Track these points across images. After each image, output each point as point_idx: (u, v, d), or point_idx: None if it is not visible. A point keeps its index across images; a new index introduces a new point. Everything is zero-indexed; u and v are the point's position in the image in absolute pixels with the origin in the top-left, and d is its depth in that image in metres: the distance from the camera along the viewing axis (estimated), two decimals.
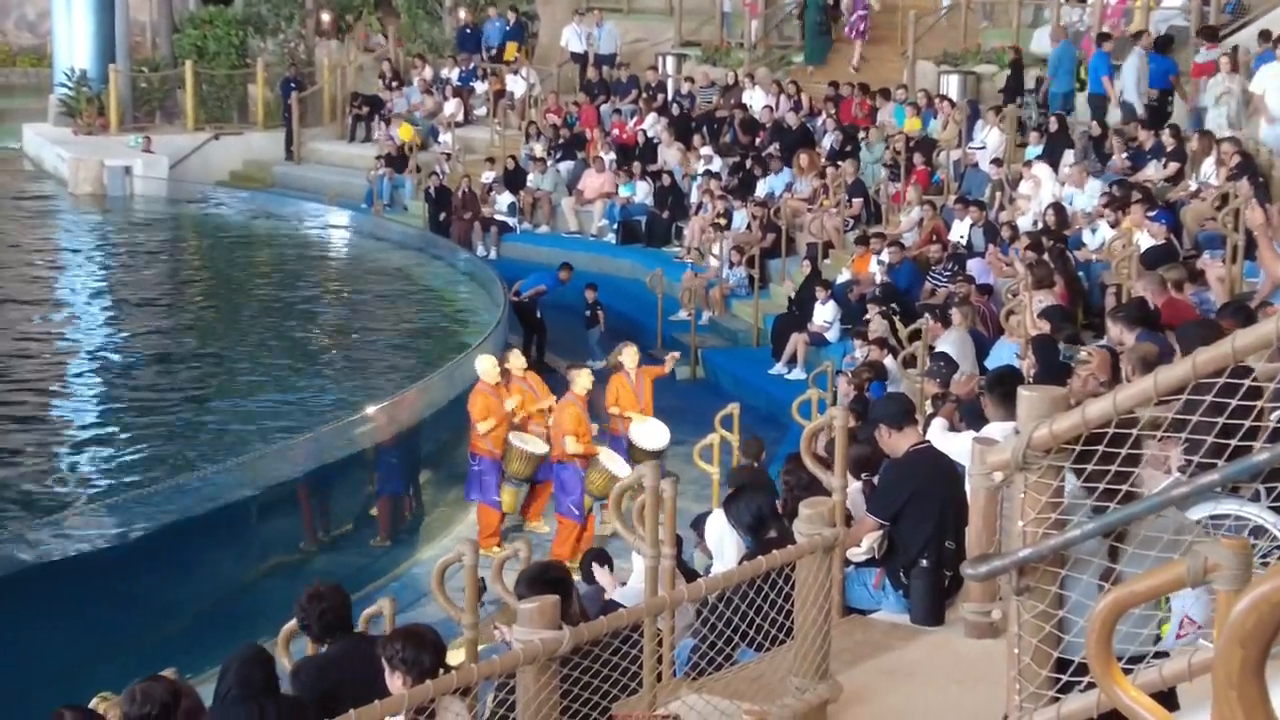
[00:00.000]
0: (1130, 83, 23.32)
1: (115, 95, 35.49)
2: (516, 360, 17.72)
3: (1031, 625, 5.04)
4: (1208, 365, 4.71)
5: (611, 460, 16.74)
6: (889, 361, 16.99)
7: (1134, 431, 5.03)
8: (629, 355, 17.96)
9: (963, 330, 16.55)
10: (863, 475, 9.71)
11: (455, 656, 7.93)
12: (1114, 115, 24.00)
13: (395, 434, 17.78)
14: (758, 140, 28.64)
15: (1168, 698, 4.84)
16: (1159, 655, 5.19)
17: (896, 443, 9.11)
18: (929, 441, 9.47)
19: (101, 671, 12.29)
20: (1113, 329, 12.59)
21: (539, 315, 23.61)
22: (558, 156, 30.53)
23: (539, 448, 16.96)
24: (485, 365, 17.09)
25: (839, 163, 25.72)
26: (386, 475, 17.77)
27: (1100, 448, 4.96)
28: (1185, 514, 5.90)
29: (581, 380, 17.06)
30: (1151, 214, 18.20)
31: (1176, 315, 13.51)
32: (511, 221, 29.21)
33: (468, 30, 37.56)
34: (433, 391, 18.43)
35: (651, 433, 17.49)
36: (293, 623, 9.08)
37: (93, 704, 8.32)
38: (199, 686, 8.64)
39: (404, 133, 32.66)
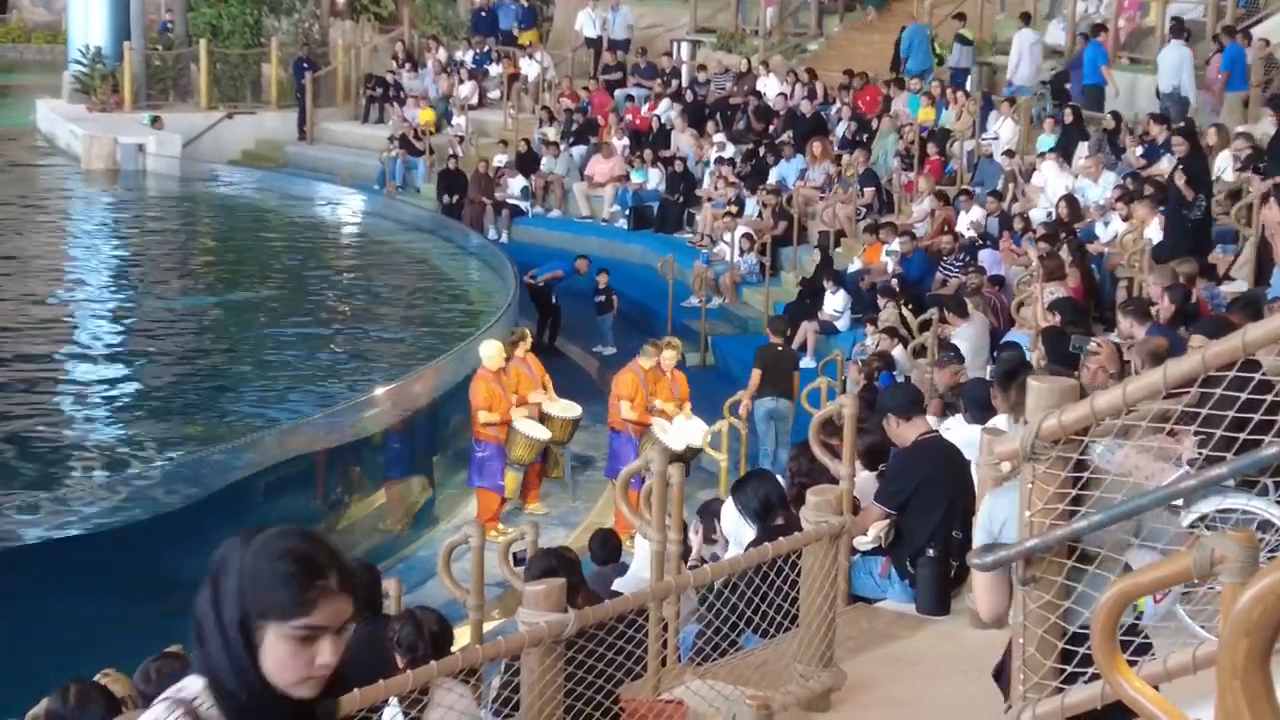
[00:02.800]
0: (1187, 78, 23.17)
1: (129, 73, 35.49)
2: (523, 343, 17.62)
3: (1037, 615, 5.05)
4: (1217, 359, 4.71)
5: (665, 432, 16.64)
6: (898, 352, 16.98)
7: (1142, 425, 5.03)
8: (669, 355, 17.59)
9: (980, 319, 16.54)
10: (880, 466, 9.69)
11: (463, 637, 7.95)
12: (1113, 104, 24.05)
13: (403, 417, 17.75)
14: (771, 128, 28.62)
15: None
16: (1135, 630, 5.22)
17: (905, 432, 9.11)
18: (937, 431, 9.47)
19: (107, 646, 12.34)
20: (1123, 323, 12.58)
21: (554, 301, 23.59)
22: (571, 141, 30.52)
23: (543, 433, 16.93)
24: (489, 351, 16.93)
25: (852, 151, 25.71)
26: (394, 459, 17.73)
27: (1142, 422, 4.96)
28: (1179, 516, 5.91)
29: (660, 354, 17.22)
30: (1163, 208, 18.16)
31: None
32: (524, 205, 29.20)
33: (482, 13, 37.56)
34: (441, 374, 18.40)
35: (678, 434, 17.18)
36: None
37: (96, 679, 8.33)
38: None
39: (425, 116, 32.65)
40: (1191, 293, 13.81)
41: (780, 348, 18.07)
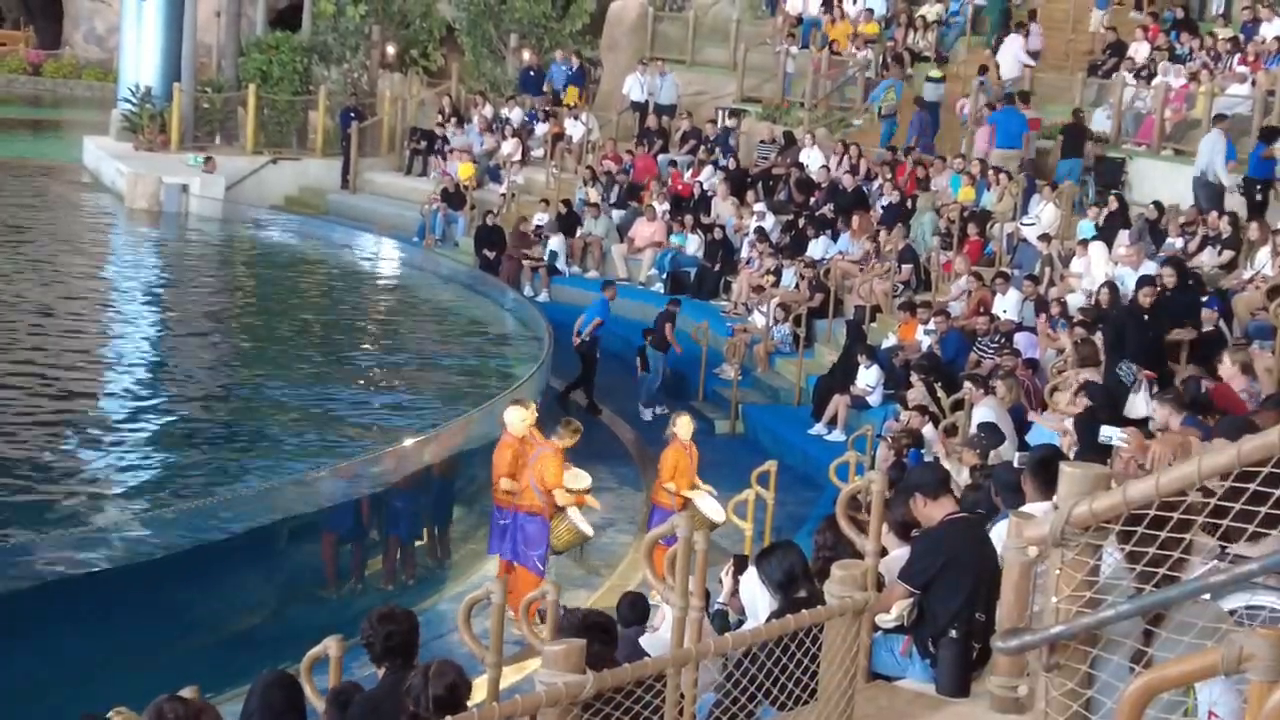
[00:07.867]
0: (1219, 160, 23.15)
1: (177, 114, 35.80)
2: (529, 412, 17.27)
3: (1059, 702, 5.00)
4: (1253, 454, 4.67)
5: (578, 516, 16.38)
6: (928, 430, 16.90)
7: (1175, 515, 4.99)
8: (683, 425, 17.36)
9: (1001, 406, 16.41)
10: (914, 532, 9.60)
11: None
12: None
13: (409, 477, 17.46)
14: (812, 200, 28.64)
15: None
16: None
17: (931, 512, 9.04)
18: (965, 513, 9.40)
19: (119, 684, 12.33)
20: (1160, 411, 12.51)
21: (598, 356, 23.54)
22: (612, 203, 30.61)
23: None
24: (513, 417, 16.34)
25: (892, 227, 25.72)
26: (394, 518, 17.45)
27: (1140, 529, 4.92)
28: (1220, 604, 5.84)
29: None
30: (1204, 299, 18.12)
31: (1224, 402, 13.44)
32: (559, 265, 29.26)
33: (531, 72, 37.78)
34: (464, 433, 18.22)
35: (714, 507, 17.06)
36: (317, 649, 9.06)
37: (109, 717, 8.31)
38: (218, 707, 8.62)
39: (464, 171, 32.81)
40: None
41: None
